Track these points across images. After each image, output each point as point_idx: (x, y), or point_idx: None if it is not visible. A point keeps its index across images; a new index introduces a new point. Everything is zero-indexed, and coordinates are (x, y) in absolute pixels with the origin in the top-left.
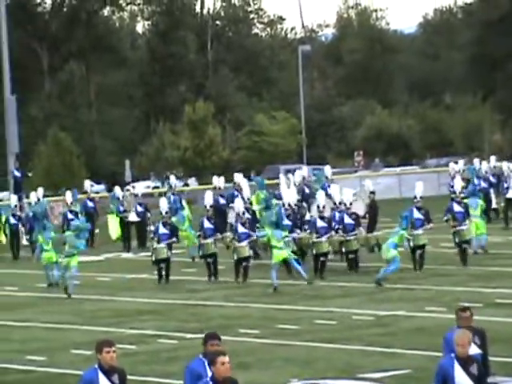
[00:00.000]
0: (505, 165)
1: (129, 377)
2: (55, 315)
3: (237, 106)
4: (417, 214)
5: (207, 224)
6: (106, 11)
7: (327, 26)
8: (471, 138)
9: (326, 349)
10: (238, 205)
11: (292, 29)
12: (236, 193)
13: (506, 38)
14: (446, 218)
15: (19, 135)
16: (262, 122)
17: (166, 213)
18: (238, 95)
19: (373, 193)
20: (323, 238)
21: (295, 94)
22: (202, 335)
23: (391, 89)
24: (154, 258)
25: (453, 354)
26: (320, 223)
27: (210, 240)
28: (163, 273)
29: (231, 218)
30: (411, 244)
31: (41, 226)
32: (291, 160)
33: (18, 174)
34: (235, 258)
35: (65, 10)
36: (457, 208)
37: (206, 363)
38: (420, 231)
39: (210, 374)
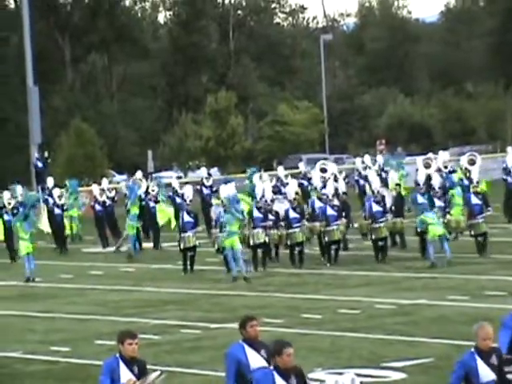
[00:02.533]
0: None
1: (152, 367)
2: (79, 306)
3: (259, 95)
4: (475, 200)
5: (187, 218)
6: (128, 1)
7: (349, 15)
8: (493, 126)
9: (350, 338)
10: (291, 190)
11: (314, 18)
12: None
13: None
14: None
15: (42, 126)
16: (285, 111)
17: (191, 201)
18: (260, 85)
19: (398, 185)
20: (334, 227)
21: (317, 83)
22: (226, 325)
23: (413, 77)
24: (181, 247)
25: (472, 349)
26: (330, 211)
27: (190, 233)
28: (188, 262)
29: (213, 212)
30: (472, 232)
31: (22, 215)
32: (313, 150)
33: (40, 164)
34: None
35: (86, 0)
36: (474, 200)
37: (246, 347)
38: (480, 220)
39: (250, 358)
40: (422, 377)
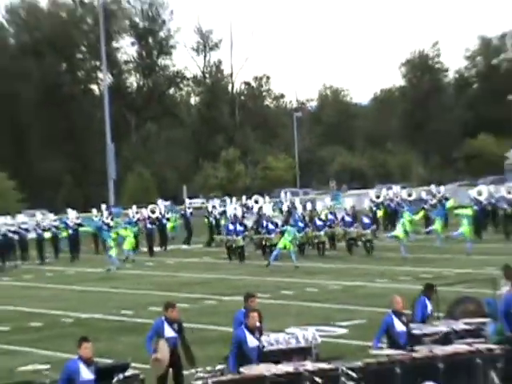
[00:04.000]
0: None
1: (185, 324)
2: (139, 285)
3: (255, 151)
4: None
5: (231, 226)
6: (171, 90)
7: (312, 100)
8: (405, 171)
9: (312, 307)
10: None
11: (290, 101)
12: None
13: (426, 109)
14: None
15: (116, 169)
16: (271, 161)
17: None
18: (255, 144)
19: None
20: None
21: (292, 143)
22: (234, 298)
23: (353, 140)
24: (233, 246)
25: (390, 311)
26: (270, 226)
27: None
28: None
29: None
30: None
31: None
32: (289, 186)
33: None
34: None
35: (144, 90)
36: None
37: (246, 313)
38: (369, 231)
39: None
40: (357, 332)
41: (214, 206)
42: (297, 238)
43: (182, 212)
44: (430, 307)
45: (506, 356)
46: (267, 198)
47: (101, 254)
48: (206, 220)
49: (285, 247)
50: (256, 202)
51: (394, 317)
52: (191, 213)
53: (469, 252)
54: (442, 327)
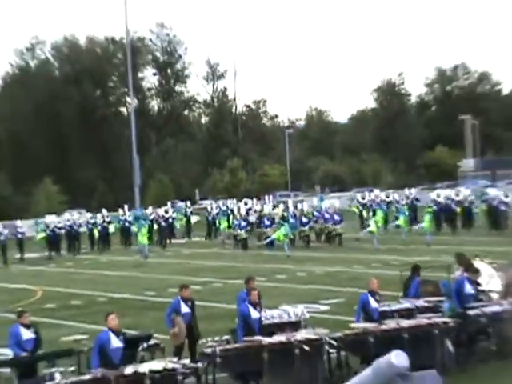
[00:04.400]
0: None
1: (197, 303)
2: (160, 270)
3: (254, 161)
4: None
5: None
6: (186, 112)
7: (300, 119)
8: (376, 177)
9: (300, 288)
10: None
11: (282, 120)
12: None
13: (393, 127)
14: None
15: (141, 176)
16: (267, 169)
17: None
18: (254, 155)
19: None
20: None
21: (284, 154)
22: (238, 281)
23: (334, 151)
24: (238, 237)
25: (367, 291)
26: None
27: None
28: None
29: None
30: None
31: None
32: (282, 189)
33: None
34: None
35: (164, 112)
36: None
37: (247, 294)
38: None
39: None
40: (338, 309)
41: (212, 207)
42: (289, 232)
43: (188, 211)
44: (467, 285)
45: (457, 328)
46: (267, 198)
47: (128, 246)
48: (206, 218)
49: (279, 239)
50: (245, 203)
51: (369, 296)
52: (191, 212)
53: (429, 243)
54: (406, 304)
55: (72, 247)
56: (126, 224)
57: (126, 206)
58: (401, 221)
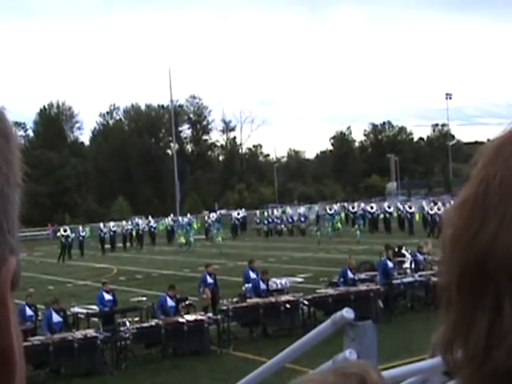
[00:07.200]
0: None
1: (217, 276)
2: (193, 255)
3: (253, 184)
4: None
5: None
6: (209, 153)
7: (284, 156)
8: (333, 195)
9: (285, 267)
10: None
11: (272, 158)
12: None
13: (345, 161)
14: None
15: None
16: (262, 190)
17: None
18: (254, 181)
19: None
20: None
21: (273, 180)
22: (244, 263)
23: (306, 178)
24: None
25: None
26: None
27: None
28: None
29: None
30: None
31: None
32: (272, 202)
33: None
34: None
35: (195, 152)
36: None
37: (250, 272)
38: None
39: (251, 274)
40: (309, 280)
41: (209, 216)
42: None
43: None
44: (390, 264)
45: (384, 293)
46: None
47: (170, 241)
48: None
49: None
50: (238, 214)
51: (348, 270)
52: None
53: (359, 241)
54: (354, 277)
55: (138, 242)
56: (169, 227)
57: (171, 215)
58: (360, 226)
